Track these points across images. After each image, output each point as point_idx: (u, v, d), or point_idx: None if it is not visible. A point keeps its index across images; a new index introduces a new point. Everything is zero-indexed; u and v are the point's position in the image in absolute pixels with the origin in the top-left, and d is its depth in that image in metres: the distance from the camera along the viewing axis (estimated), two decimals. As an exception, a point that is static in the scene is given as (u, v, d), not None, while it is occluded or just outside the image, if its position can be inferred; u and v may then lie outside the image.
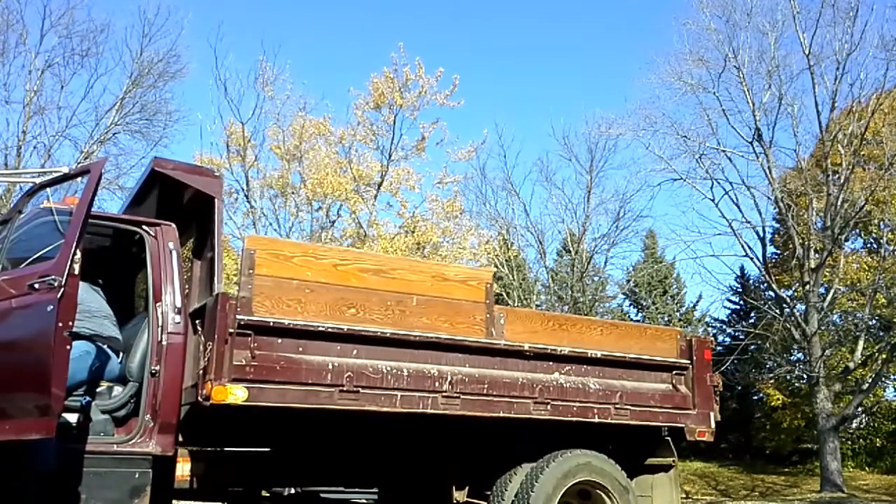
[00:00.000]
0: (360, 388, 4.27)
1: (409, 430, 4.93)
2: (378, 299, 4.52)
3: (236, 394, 3.94)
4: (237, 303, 4.07)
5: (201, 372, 4.01)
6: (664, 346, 5.68)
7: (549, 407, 4.93)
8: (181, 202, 4.75)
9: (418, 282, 4.71)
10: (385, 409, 4.35)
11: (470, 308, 4.84)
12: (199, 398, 3.98)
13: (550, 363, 5.05)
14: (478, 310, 4.87)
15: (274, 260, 4.27)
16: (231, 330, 3.99)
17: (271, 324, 4.13)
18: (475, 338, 4.78)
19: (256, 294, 4.15)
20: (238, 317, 4.03)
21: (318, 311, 4.31)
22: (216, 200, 4.37)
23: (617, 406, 5.22)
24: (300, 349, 4.19)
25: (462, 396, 4.60)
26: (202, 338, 4.12)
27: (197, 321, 4.29)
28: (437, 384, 4.52)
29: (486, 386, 4.71)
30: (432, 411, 4.49)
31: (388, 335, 4.45)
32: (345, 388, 4.22)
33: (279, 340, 4.14)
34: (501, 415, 4.76)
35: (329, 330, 4.28)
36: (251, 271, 4.17)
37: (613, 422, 5.21)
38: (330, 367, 4.23)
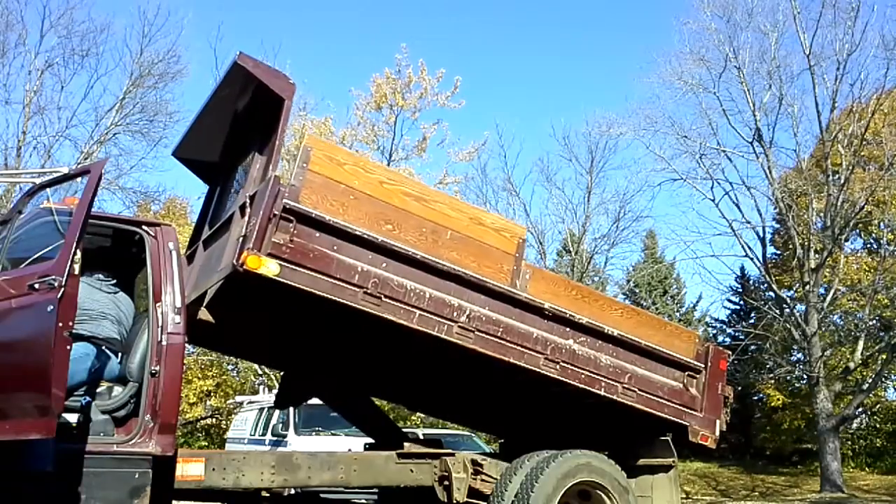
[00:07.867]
0: (383, 296, 4.45)
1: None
2: (415, 223, 4.67)
3: (269, 266, 4.13)
4: (287, 189, 4.25)
5: (240, 239, 4.16)
6: (681, 345, 5.72)
7: (558, 367, 5.03)
8: (254, 100, 4.90)
9: (456, 219, 4.85)
10: (402, 322, 4.51)
11: (499, 256, 4.94)
12: (233, 263, 4.11)
13: (567, 329, 5.13)
14: (506, 260, 4.97)
15: (327, 162, 4.47)
16: (276, 212, 4.19)
17: (314, 216, 4.31)
18: (499, 283, 4.86)
19: (305, 187, 4.34)
20: (285, 201, 4.21)
21: (357, 218, 4.47)
22: (286, 102, 4.53)
23: (625, 386, 5.29)
24: (335, 247, 4.37)
25: (477, 332, 4.74)
26: (249, 214, 4.31)
27: (246, 204, 4.44)
28: (455, 314, 4.68)
29: (501, 330, 4.85)
30: (446, 337, 4.64)
31: (418, 257, 4.60)
32: (369, 291, 4.41)
33: (317, 234, 4.33)
34: (511, 360, 4.86)
35: (365, 236, 4.44)
36: (305, 165, 4.39)
37: (618, 399, 5.25)
38: (359, 269, 4.41)
